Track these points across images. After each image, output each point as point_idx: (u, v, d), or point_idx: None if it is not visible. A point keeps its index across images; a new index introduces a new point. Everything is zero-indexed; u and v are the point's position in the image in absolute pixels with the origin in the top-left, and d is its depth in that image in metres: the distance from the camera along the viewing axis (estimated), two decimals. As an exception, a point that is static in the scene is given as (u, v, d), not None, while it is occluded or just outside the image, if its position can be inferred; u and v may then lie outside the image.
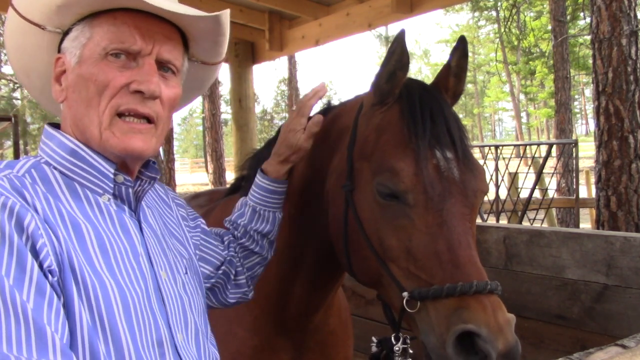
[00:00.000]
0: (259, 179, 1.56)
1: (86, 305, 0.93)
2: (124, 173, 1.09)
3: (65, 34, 1.10)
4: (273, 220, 1.56)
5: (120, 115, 1.05)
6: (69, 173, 1.05)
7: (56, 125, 1.13)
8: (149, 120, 1.08)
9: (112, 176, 1.07)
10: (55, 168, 1.05)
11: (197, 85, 1.38)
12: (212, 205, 2.30)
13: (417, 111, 1.34)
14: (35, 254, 0.88)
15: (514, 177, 8.32)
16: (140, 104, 1.05)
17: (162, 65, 1.10)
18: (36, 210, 0.93)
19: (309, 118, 1.56)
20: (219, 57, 1.32)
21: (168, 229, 1.27)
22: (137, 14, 1.07)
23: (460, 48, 1.43)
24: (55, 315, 0.87)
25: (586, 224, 12.16)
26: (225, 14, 1.18)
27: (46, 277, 0.88)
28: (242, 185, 1.95)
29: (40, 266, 0.88)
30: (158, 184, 1.34)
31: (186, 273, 1.22)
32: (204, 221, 1.52)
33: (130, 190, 1.11)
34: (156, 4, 1.02)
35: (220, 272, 1.49)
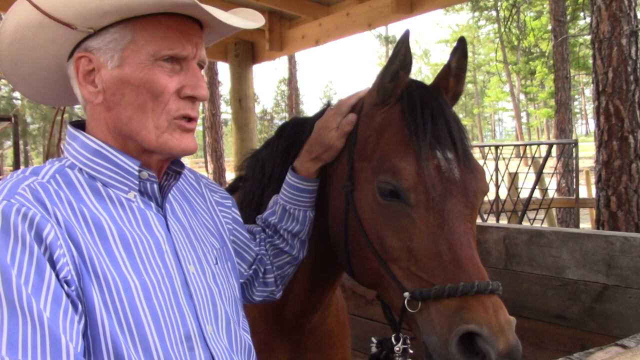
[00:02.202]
0: (289, 177, 1.54)
1: (111, 307, 0.95)
2: (148, 169, 1.11)
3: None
4: (304, 219, 1.54)
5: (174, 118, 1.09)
6: (93, 173, 1.07)
7: (77, 124, 1.15)
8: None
9: (136, 173, 1.09)
10: (80, 170, 1.06)
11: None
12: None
13: (418, 111, 1.35)
14: (53, 263, 0.90)
15: (514, 177, 8.32)
16: (191, 108, 1.11)
17: (198, 64, 1.13)
18: (57, 219, 0.95)
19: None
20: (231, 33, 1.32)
21: (199, 219, 1.28)
22: (179, 17, 1.09)
23: (460, 49, 1.43)
24: (70, 324, 0.88)
25: (586, 224, 12.16)
26: (260, 20, 1.23)
27: (62, 287, 0.90)
28: (240, 186, 1.95)
29: (57, 276, 0.90)
30: (189, 171, 1.36)
31: (216, 264, 1.24)
32: (238, 212, 1.50)
33: (155, 185, 1.13)
34: (217, 14, 1.06)
35: (251, 270, 1.50)
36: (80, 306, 0.92)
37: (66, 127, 1.17)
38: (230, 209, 1.45)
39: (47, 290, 0.87)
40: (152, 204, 1.13)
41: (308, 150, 1.53)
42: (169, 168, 1.19)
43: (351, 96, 1.55)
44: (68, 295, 0.90)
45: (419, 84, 1.45)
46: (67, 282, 0.91)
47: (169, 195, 1.18)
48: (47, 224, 0.92)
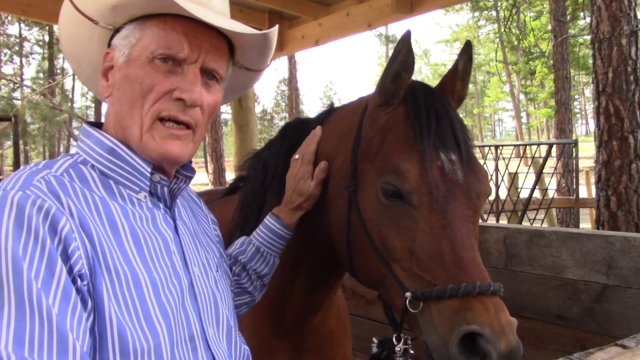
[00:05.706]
0: (269, 220, 1.57)
1: (121, 301, 0.94)
2: (160, 172, 1.12)
3: (117, 30, 1.13)
4: (272, 264, 1.57)
5: (161, 120, 1.08)
6: (106, 170, 1.07)
7: (93, 124, 1.16)
8: (187, 126, 1.10)
9: (149, 175, 1.09)
10: (92, 167, 1.07)
11: (239, 87, 1.40)
12: (209, 206, 2.29)
13: (423, 113, 1.35)
14: (66, 257, 0.89)
15: (514, 177, 8.32)
16: (181, 111, 1.08)
17: (207, 73, 1.12)
18: (71, 211, 0.94)
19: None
20: (262, 65, 1.34)
21: (201, 226, 1.31)
22: (187, 20, 1.08)
23: (467, 52, 1.44)
24: (78, 321, 0.87)
25: (586, 224, 12.16)
26: (274, 32, 1.22)
27: (75, 282, 0.89)
28: (240, 186, 1.95)
29: (70, 270, 0.89)
30: (189, 187, 1.36)
31: (217, 270, 1.25)
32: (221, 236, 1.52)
33: (166, 188, 1.14)
34: (205, 18, 1.04)
35: None
36: (90, 302, 0.91)
37: (68, 127, 1.19)
38: (217, 230, 1.47)
39: (57, 286, 0.86)
40: (161, 205, 1.14)
41: (288, 202, 1.58)
42: (179, 172, 1.19)
43: (309, 143, 1.60)
44: (78, 291, 0.89)
45: (423, 85, 1.45)
46: (80, 276, 0.90)
47: (177, 199, 1.19)
48: (62, 216, 0.91)
